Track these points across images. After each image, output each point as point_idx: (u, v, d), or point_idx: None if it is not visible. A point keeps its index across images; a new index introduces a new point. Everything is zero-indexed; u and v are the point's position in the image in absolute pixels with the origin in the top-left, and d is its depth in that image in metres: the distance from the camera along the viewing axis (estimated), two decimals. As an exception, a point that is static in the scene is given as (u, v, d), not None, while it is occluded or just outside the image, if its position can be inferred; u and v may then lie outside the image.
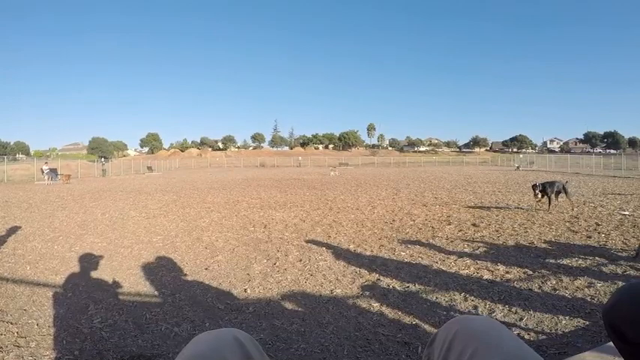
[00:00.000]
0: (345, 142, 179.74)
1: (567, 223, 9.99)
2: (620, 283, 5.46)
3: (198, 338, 0.96)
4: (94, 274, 6.14)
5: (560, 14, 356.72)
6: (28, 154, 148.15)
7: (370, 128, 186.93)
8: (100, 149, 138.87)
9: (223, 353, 0.88)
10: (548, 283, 5.48)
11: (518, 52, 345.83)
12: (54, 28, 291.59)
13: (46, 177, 32.23)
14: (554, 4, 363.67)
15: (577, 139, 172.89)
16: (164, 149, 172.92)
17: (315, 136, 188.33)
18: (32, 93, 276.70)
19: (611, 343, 1.09)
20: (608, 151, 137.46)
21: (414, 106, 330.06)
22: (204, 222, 10.91)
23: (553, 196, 12.49)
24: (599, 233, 8.78)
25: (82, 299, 4.99)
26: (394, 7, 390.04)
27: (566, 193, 12.65)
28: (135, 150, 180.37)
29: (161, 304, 4.79)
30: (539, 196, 12.59)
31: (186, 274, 6.07)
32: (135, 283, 5.63)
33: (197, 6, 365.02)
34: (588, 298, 4.90)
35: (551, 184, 12.61)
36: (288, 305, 4.78)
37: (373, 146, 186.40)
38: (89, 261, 6.95)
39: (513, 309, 4.57)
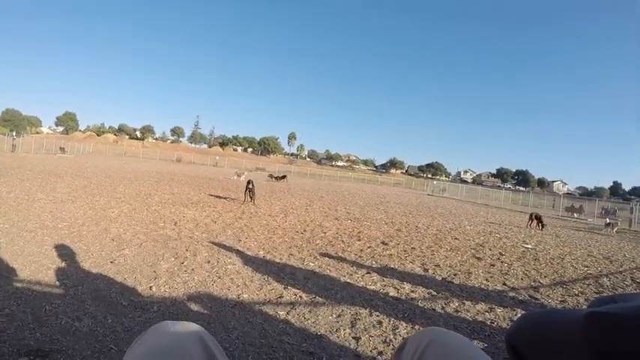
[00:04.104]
0: (264, 147, 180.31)
1: (473, 250, 10.49)
2: (520, 311, 5.81)
3: (161, 329, 0.96)
4: (-8, 258, 5.85)
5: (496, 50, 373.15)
6: None
7: (291, 137, 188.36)
8: (13, 122, 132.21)
9: (187, 348, 0.89)
10: (451, 304, 5.74)
11: (441, 80, 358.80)
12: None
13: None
14: (485, 24, 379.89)
15: (490, 173, 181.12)
16: (80, 131, 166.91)
17: (235, 138, 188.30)
18: None
19: None
20: (517, 187, 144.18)
21: (337, 120, 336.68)
22: (114, 213, 10.61)
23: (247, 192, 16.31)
24: (502, 262, 9.30)
25: (-23, 284, 4.75)
26: (330, 15, 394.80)
27: (250, 190, 16.30)
28: (49, 128, 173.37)
29: (62, 296, 4.62)
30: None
31: (90, 266, 5.86)
32: (36, 271, 5.38)
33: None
34: (488, 322, 5.18)
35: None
36: (194, 307, 4.74)
37: (292, 155, 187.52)
38: (-13, 242, 6.63)
39: (416, 327, 4.74)
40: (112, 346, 3.57)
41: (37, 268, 5.56)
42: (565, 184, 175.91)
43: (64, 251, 6.49)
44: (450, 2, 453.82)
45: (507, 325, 5.18)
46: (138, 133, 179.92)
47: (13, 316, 4.00)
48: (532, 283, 7.63)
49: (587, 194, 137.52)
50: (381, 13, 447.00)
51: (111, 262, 6.21)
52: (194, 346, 0.91)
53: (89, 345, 3.55)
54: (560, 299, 6.82)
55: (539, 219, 19.12)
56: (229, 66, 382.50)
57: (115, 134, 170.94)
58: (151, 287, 5.25)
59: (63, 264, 5.84)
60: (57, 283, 5.07)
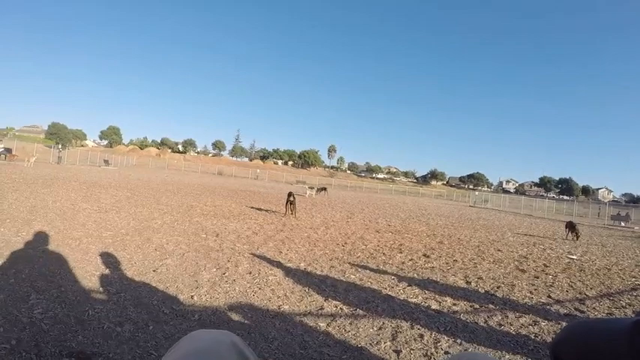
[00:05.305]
0: (304, 160, 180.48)
1: (516, 262, 10.26)
2: (564, 324, 5.61)
3: (196, 335, 0.97)
4: (39, 263, 5.94)
5: (536, 53, 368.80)
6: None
7: (331, 150, 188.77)
8: (59, 135, 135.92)
9: (222, 352, 0.89)
10: (494, 318, 5.59)
11: (481, 90, 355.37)
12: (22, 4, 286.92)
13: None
14: (526, 40, 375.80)
15: (532, 182, 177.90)
16: (123, 144, 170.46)
17: (275, 151, 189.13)
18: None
19: None
20: (561, 196, 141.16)
21: (377, 132, 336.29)
22: (157, 223, 10.75)
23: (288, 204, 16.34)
24: (546, 274, 9.03)
25: (24, 287, 4.83)
26: (369, 32, 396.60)
27: (291, 202, 16.27)
28: (93, 141, 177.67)
29: (105, 302, 4.68)
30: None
31: (133, 274, 5.94)
32: (80, 277, 5.48)
33: (173, 10, 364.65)
34: (532, 336, 5.02)
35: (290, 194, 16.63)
36: (235, 316, 4.72)
37: (332, 168, 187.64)
38: (35, 248, 6.77)
39: (458, 340, 4.63)
40: (152, 351, 3.59)
41: (81, 274, 5.66)
42: (610, 191, 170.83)
43: (108, 259, 6.60)
44: (492, 19, 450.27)
45: (552, 338, 5.03)
46: (180, 147, 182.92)
47: (57, 318, 4.07)
48: (578, 295, 7.38)
49: (633, 201, 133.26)
50: (419, 27, 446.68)
51: (153, 270, 6.28)
52: (229, 351, 0.91)
53: (130, 350, 3.57)
54: (606, 311, 6.58)
55: (572, 227, 18.31)
56: (269, 81, 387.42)
57: (158, 148, 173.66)
58: (192, 296, 5.27)
59: (106, 271, 5.94)
60: (100, 289, 5.14)
